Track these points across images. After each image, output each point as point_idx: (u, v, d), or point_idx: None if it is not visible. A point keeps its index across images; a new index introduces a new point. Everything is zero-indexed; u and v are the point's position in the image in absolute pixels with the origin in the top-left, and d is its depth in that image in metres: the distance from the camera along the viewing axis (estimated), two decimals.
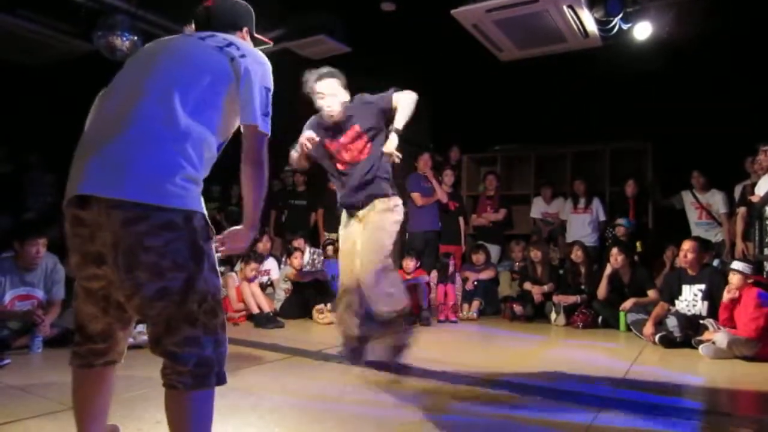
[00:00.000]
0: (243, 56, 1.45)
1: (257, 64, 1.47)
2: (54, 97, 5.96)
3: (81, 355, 1.46)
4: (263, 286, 5.29)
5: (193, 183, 1.31)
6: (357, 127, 2.91)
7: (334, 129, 2.93)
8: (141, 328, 3.57)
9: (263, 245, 5.58)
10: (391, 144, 2.84)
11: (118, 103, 1.36)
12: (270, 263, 5.64)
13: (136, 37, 4.56)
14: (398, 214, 2.93)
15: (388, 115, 2.93)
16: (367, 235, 2.84)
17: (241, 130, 1.45)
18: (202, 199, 1.36)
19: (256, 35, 1.72)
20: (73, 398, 1.48)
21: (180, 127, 1.30)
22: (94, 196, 1.25)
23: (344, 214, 3.08)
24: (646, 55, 5.00)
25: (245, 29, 1.67)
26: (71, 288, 3.97)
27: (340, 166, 3.00)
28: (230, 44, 1.47)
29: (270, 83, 1.48)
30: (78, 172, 1.30)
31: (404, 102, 2.90)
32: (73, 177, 1.31)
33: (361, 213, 2.94)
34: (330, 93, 2.85)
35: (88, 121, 1.45)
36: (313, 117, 2.99)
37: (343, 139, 2.94)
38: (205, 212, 1.36)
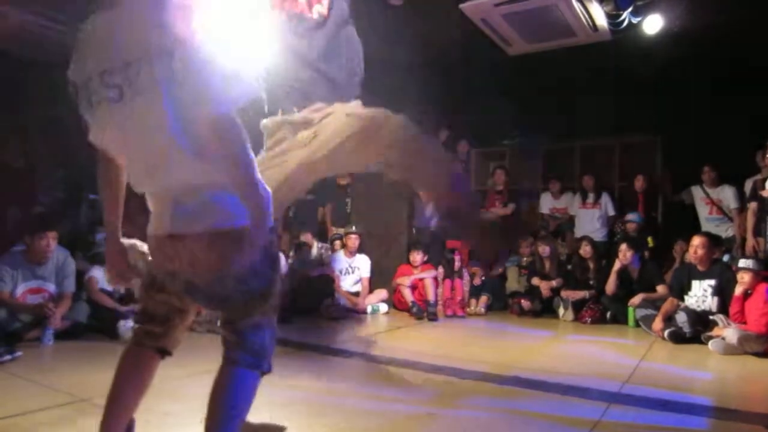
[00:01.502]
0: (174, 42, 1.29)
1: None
2: (65, 93, 6.00)
3: (137, 333, 1.55)
4: None
5: (232, 196, 1.36)
6: None
7: None
8: None
9: None
10: None
11: (135, 139, 1.38)
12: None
13: None
14: None
15: None
16: None
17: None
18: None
19: None
20: (114, 381, 1.50)
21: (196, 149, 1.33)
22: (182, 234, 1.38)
23: None
24: (656, 48, 4.95)
25: None
26: (81, 281, 4.03)
27: None
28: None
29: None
30: (160, 212, 1.43)
31: None
32: (157, 214, 1.44)
33: None
34: None
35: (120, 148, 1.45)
36: None
37: None
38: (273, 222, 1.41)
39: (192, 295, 1.49)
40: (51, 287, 3.66)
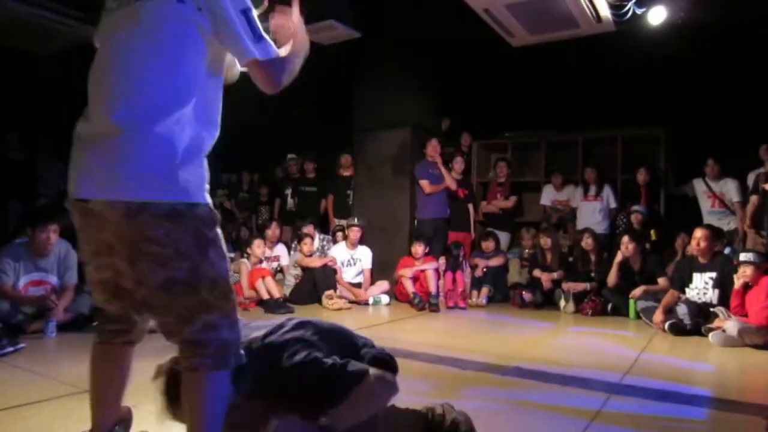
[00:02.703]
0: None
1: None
2: (66, 85, 5.98)
3: (101, 332, 1.50)
4: (273, 273, 5.32)
5: (193, 173, 1.28)
6: None
7: None
8: None
9: (272, 231, 5.61)
10: None
11: (102, 92, 1.31)
12: (280, 249, 5.67)
13: None
14: None
15: None
16: None
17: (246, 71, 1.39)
18: (207, 188, 1.34)
19: None
20: (90, 375, 1.50)
21: (170, 114, 1.25)
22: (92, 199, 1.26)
23: None
24: (660, 40, 4.91)
25: None
26: (84, 273, 4.04)
27: None
28: None
29: (245, 2, 1.32)
30: (77, 171, 1.30)
31: None
32: (72, 175, 1.31)
33: None
34: None
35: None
36: None
37: None
38: (210, 201, 1.33)
39: (118, 296, 1.38)
40: (53, 279, 3.67)
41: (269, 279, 4.97)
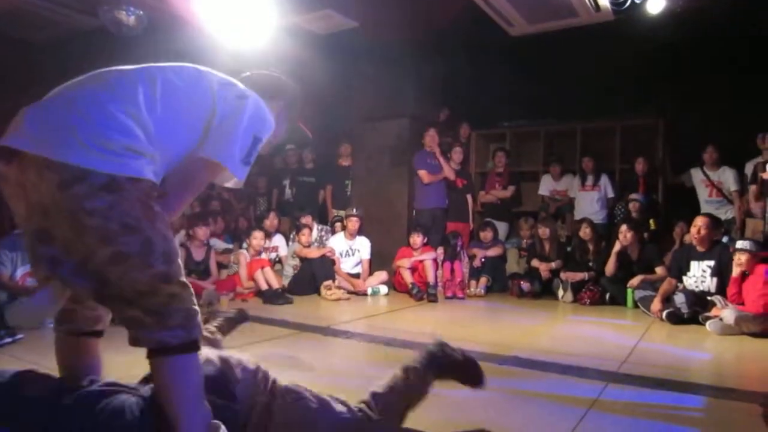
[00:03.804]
0: (240, 98, 1.41)
1: (255, 109, 1.42)
2: (62, 73, 5.95)
3: (62, 319, 1.46)
4: (272, 263, 5.32)
5: (140, 155, 1.21)
6: None
7: None
8: None
9: (270, 222, 5.60)
10: None
11: (82, 80, 1.31)
12: (278, 240, 5.67)
13: (141, 12, 4.52)
14: None
15: None
16: None
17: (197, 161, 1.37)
18: (151, 171, 1.25)
19: (299, 123, 1.73)
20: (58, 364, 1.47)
21: (141, 113, 1.25)
22: (24, 152, 1.13)
23: None
24: (658, 29, 4.88)
25: (280, 102, 1.63)
26: None
27: None
28: (232, 85, 1.44)
29: (262, 133, 1.43)
30: (12, 124, 1.18)
31: None
32: (7, 128, 1.19)
33: None
34: None
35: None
36: None
37: None
38: (155, 178, 1.25)
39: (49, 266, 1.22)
40: None
41: (268, 269, 4.97)
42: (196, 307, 1.30)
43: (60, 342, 1.47)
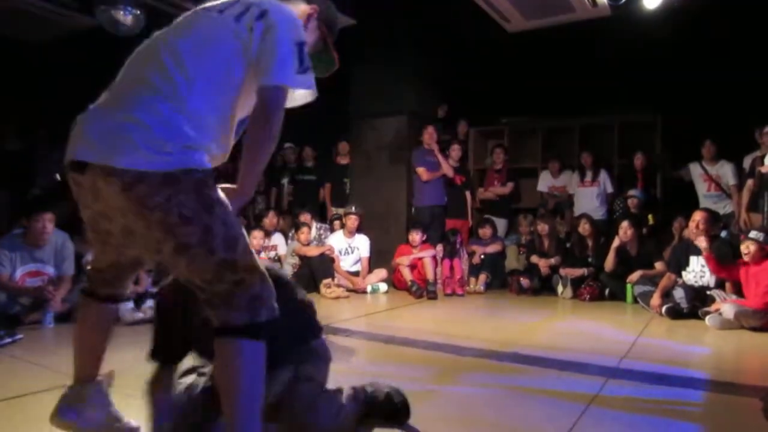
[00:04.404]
0: (261, 16, 1.35)
1: (279, 17, 1.36)
2: (59, 73, 5.93)
3: (89, 279, 1.56)
4: (271, 261, 5.32)
5: (190, 145, 1.26)
6: None
7: None
8: (150, 303, 3.62)
9: (270, 221, 5.60)
10: None
11: (124, 83, 1.35)
12: (277, 239, 5.66)
13: (138, 11, 4.50)
14: None
15: None
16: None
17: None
18: (202, 152, 1.30)
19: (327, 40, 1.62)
20: (75, 331, 1.57)
21: (185, 103, 1.27)
22: (90, 163, 1.25)
23: None
24: (655, 24, 4.88)
25: (309, 6, 1.54)
26: (81, 264, 4.02)
27: None
28: (249, 7, 1.38)
29: (300, 35, 1.37)
30: (76, 137, 1.30)
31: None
32: (72, 140, 1.31)
33: None
34: None
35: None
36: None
37: None
38: (207, 165, 1.29)
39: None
40: (50, 270, 3.66)
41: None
42: (268, 291, 1.32)
43: (88, 306, 1.58)
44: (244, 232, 1.35)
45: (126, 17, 4.46)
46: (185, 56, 1.30)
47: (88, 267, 1.59)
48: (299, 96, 1.52)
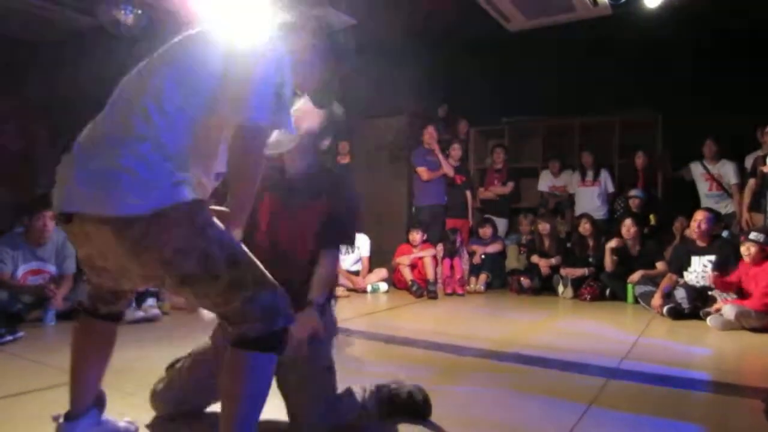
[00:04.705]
0: (243, 55, 1.31)
1: (263, 56, 1.31)
2: (60, 73, 5.93)
3: (89, 298, 1.52)
4: None
5: (177, 184, 1.26)
6: (321, 210, 1.83)
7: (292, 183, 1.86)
8: (151, 302, 3.63)
9: None
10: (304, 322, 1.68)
11: (107, 122, 1.34)
12: None
13: (140, 11, 4.50)
14: None
15: None
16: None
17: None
18: (189, 190, 1.28)
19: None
20: (73, 354, 1.51)
21: (167, 144, 1.26)
22: (76, 213, 1.27)
23: None
24: (656, 23, 4.87)
25: (303, 36, 1.50)
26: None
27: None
28: (236, 50, 1.33)
29: (281, 75, 1.32)
30: (62, 185, 1.30)
31: (322, 279, 1.80)
32: (58, 185, 1.32)
33: None
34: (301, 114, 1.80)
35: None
36: None
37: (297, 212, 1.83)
38: (189, 195, 1.28)
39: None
40: (51, 268, 3.66)
41: None
42: (280, 299, 1.32)
43: (80, 326, 1.53)
44: (243, 247, 1.34)
45: (127, 17, 4.46)
46: (168, 93, 1.29)
47: (88, 287, 1.55)
48: (280, 145, 1.53)
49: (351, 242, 1.97)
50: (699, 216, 4.23)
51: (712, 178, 5.23)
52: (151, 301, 3.61)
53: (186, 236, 1.24)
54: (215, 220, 1.32)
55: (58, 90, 5.95)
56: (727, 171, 5.15)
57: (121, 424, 1.65)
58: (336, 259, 1.88)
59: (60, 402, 2.03)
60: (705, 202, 5.20)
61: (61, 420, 1.48)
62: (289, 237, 1.80)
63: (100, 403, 1.56)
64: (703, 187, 5.31)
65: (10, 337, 2.94)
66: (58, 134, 6.21)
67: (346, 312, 4.38)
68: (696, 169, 5.35)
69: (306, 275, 1.77)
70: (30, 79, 6.06)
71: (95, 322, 1.52)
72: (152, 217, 1.21)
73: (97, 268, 1.41)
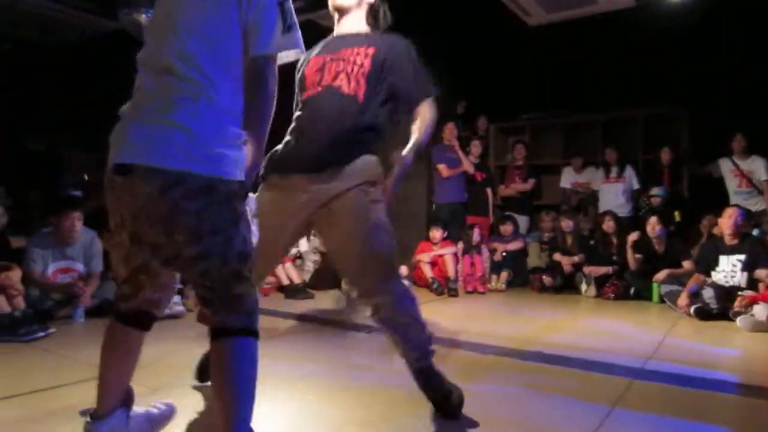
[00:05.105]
0: None
1: None
2: (81, 75, 6.06)
3: (116, 299, 1.54)
4: (293, 259, 5.36)
5: (231, 147, 1.32)
6: (372, 51, 1.85)
7: (343, 38, 1.91)
8: (176, 299, 3.69)
9: None
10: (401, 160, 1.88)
11: (150, 67, 1.37)
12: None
13: None
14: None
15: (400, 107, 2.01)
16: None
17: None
18: (243, 159, 1.36)
19: None
20: (101, 356, 1.53)
21: (213, 88, 1.31)
22: (133, 164, 1.29)
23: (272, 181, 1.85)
24: (681, 14, 4.76)
25: None
26: (109, 261, 4.12)
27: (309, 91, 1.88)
28: None
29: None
30: (118, 140, 1.34)
31: (425, 121, 1.98)
32: (114, 144, 1.35)
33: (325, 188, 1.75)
34: None
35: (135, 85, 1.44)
36: None
37: (343, 52, 1.86)
38: (241, 176, 1.36)
39: (145, 253, 1.39)
40: (80, 267, 3.75)
41: (289, 265, 5.01)
42: (257, 303, 1.40)
43: (108, 330, 1.54)
44: (254, 247, 1.42)
45: (147, 20, 4.54)
46: (199, 59, 1.32)
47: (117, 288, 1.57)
48: (284, 56, 1.51)
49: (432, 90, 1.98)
50: (729, 211, 4.12)
51: (742, 175, 5.09)
52: (176, 299, 3.68)
53: (224, 217, 1.31)
54: (248, 215, 1.40)
55: (79, 92, 6.08)
56: (758, 167, 5.00)
57: (155, 410, 1.67)
58: (433, 108, 1.96)
59: (88, 397, 2.09)
60: (734, 199, 5.06)
61: (88, 418, 1.51)
62: (342, 78, 1.81)
63: (128, 401, 1.59)
64: (732, 183, 5.17)
65: (41, 333, 3.03)
66: (79, 136, 6.36)
67: (366, 309, 4.39)
68: (725, 165, 5.22)
69: (364, 121, 1.82)
70: (52, 81, 6.22)
71: (121, 328, 1.52)
72: (204, 184, 1.27)
73: (119, 243, 1.42)
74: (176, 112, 1.28)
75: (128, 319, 1.51)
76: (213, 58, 1.32)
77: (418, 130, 1.92)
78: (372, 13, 1.97)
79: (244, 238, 1.35)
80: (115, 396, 1.53)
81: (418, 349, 1.89)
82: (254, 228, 1.53)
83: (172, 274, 1.53)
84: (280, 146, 1.86)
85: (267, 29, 1.34)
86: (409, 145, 1.89)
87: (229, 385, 1.31)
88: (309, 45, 1.86)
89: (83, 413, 1.53)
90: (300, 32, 1.41)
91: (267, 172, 1.84)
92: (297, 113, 1.91)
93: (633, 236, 4.78)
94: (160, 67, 1.34)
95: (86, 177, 6.19)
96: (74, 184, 6.14)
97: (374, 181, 1.84)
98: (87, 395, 2.11)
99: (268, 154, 1.82)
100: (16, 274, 3.19)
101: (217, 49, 1.33)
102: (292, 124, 1.90)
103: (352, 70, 1.82)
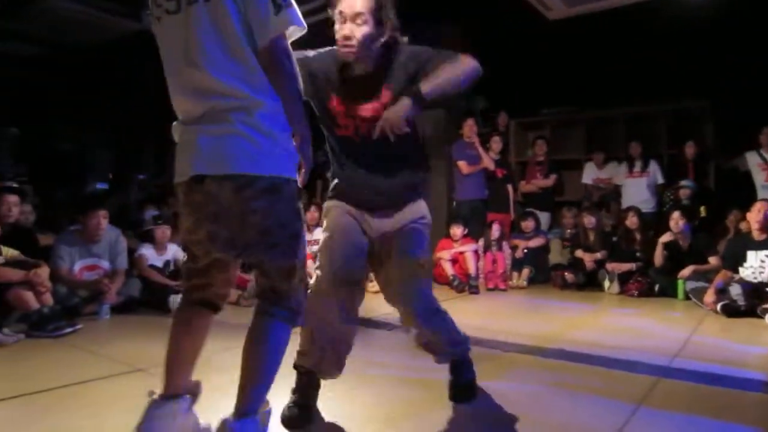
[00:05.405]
0: None
1: None
2: (107, 76, 6.17)
3: (185, 290, 1.61)
4: (313, 256, 5.38)
5: (285, 144, 1.44)
6: (389, 93, 1.84)
7: (356, 83, 1.83)
8: None
9: (311, 215, 5.66)
10: (392, 112, 1.69)
11: (184, 79, 1.44)
12: (318, 233, 5.71)
13: None
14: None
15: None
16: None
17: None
18: (296, 153, 1.48)
19: None
20: (170, 334, 1.56)
21: (256, 94, 1.40)
22: (207, 174, 1.41)
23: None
24: (705, 6, 4.64)
25: None
26: (132, 259, 4.19)
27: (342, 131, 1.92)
28: None
29: None
30: (190, 153, 1.44)
31: (462, 64, 1.94)
32: (185, 156, 1.45)
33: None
34: (354, 14, 1.71)
35: (171, 92, 1.50)
36: (329, 49, 1.87)
37: (365, 109, 1.83)
38: (296, 177, 1.48)
39: (219, 246, 1.48)
40: (105, 264, 3.83)
41: (309, 262, 5.03)
42: (303, 300, 1.56)
43: (185, 312, 1.60)
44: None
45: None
46: (233, 78, 1.40)
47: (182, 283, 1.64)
48: (288, 35, 1.51)
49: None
50: (759, 205, 4.02)
51: None
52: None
53: (289, 214, 1.46)
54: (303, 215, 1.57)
55: (105, 93, 6.20)
56: None
57: (203, 425, 1.62)
58: (474, 61, 1.95)
59: (117, 391, 2.14)
60: (761, 193, 4.92)
61: (155, 396, 1.52)
62: (369, 125, 1.81)
63: (194, 392, 1.62)
64: (759, 177, 5.04)
65: (69, 329, 3.10)
66: (106, 136, 6.49)
67: (387, 307, 4.39)
68: (752, 159, 5.08)
69: (404, 165, 2.00)
70: (78, 82, 6.35)
71: (193, 308, 1.58)
72: (268, 184, 1.39)
73: (195, 241, 1.50)
74: (235, 123, 1.39)
75: (201, 303, 1.58)
76: (244, 71, 1.39)
77: (446, 72, 1.86)
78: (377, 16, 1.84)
79: (303, 235, 1.51)
80: (182, 378, 1.55)
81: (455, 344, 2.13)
82: (318, 230, 1.68)
83: (237, 273, 1.68)
84: (335, 180, 2.00)
85: (263, 17, 1.38)
86: (428, 83, 1.80)
87: (255, 359, 1.44)
88: (325, 45, 1.87)
89: (150, 393, 1.52)
90: (295, 7, 1.43)
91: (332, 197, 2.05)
92: (334, 147, 1.99)
93: (665, 237, 4.68)
94: (202, 90, 1.41)
95: (111, 176, 6.31)
96: (100, 182, 6.26)
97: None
98: (116, 390, 2.16)
99: (331, 186, 2.02)
100: (44, 271, 3.26)
101: (242, 58, 1.40)
102: (334, 163, 2.00)
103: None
